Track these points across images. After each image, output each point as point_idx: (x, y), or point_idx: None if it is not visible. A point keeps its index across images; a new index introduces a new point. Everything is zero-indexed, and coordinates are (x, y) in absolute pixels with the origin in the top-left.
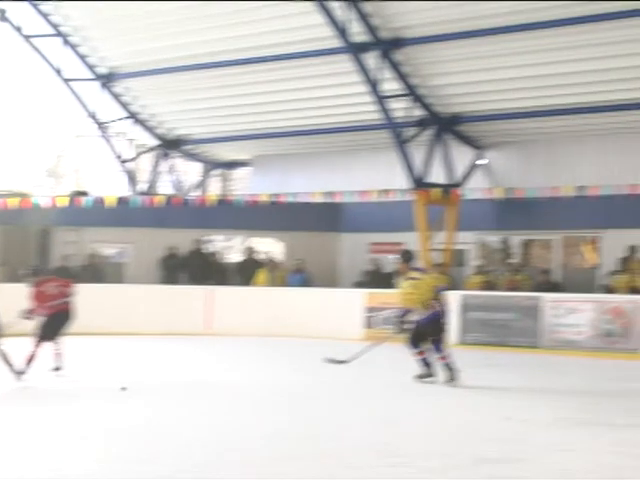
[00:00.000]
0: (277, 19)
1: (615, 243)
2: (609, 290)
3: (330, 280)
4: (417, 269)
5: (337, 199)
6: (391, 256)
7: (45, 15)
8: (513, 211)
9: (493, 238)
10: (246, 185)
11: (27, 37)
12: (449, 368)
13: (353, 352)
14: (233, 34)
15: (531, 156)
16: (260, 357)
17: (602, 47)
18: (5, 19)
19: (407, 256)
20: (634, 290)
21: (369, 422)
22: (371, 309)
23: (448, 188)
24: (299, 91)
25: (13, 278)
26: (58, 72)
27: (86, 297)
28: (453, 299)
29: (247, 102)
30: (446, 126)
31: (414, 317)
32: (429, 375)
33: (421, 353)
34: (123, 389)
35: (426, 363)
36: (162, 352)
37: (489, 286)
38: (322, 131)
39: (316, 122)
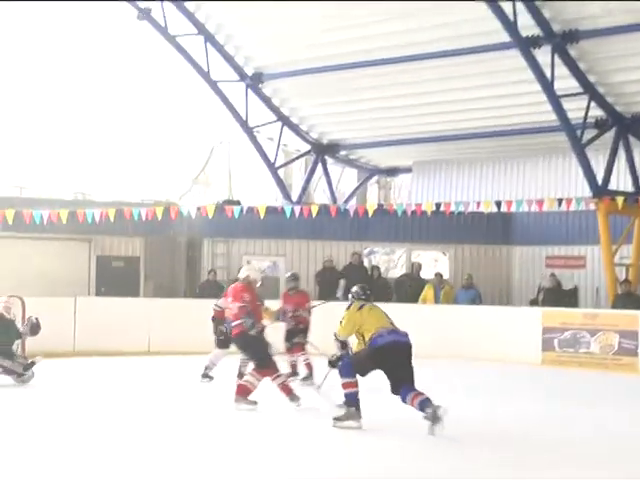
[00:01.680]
0: (439, 13)
1: None
2: None
3: (502, 297)
4: None
5: (508, 209)
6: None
7: (189, 14)
8: None
9: None
10: (407, 193)
11: (172, 37)
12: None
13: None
14: (390, 29)
15: None
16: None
17: None
18: (150, 18)
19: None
20: None
21: None
22: (549, 329)
23: (634, 196)
24: (464, 90)
25: (159, 292)
26: (205, 73)
27: None
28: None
29: (406, 103)
30: (629, 127)
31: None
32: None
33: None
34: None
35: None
36: None
37: None
38: (490, 134)
39: (484, 124)
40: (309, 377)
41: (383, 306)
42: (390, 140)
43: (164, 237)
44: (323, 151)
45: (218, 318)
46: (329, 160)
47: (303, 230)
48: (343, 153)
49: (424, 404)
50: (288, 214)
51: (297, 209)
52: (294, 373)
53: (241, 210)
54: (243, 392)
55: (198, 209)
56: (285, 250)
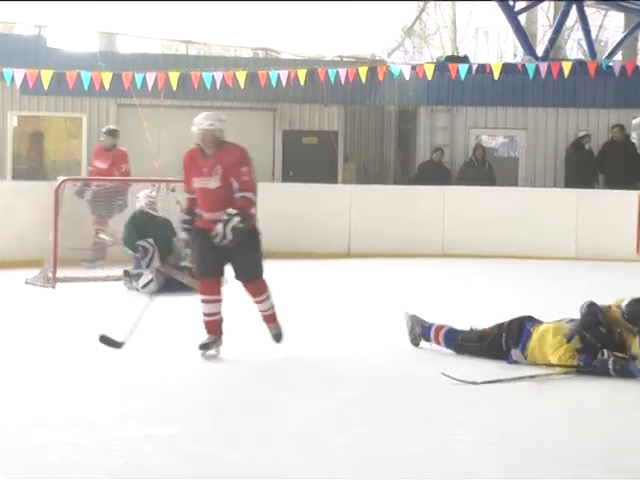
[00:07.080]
0: None
1: None
2: None
3: None
4: None
5: None
6: None
7: None
8: None
9: None
10: None
11: None
12: None
13: None
14: None
15: None
16: None
17: None
18: None
19: None
20: None
21: None
22: None
23: None
24: None
25: (362, 177)
26: None
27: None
28: None
29: None
30: None
31: None
32: None
33: None
34: None
35: None
36: None
37: None
38: None
39: None
40: None
41: None
42: None
43: (369, 106)
44: None
45: None
46: (586, 1)
47: (550, 95)
48: None
49: None
50: (531, 74)
51: (543, 67)
52: None
53: (469, 69)
54: None
55: (413, 69)
56: (526, 121)
